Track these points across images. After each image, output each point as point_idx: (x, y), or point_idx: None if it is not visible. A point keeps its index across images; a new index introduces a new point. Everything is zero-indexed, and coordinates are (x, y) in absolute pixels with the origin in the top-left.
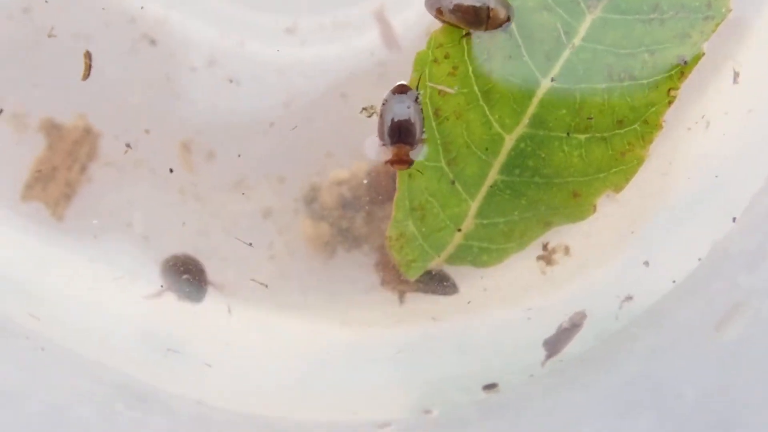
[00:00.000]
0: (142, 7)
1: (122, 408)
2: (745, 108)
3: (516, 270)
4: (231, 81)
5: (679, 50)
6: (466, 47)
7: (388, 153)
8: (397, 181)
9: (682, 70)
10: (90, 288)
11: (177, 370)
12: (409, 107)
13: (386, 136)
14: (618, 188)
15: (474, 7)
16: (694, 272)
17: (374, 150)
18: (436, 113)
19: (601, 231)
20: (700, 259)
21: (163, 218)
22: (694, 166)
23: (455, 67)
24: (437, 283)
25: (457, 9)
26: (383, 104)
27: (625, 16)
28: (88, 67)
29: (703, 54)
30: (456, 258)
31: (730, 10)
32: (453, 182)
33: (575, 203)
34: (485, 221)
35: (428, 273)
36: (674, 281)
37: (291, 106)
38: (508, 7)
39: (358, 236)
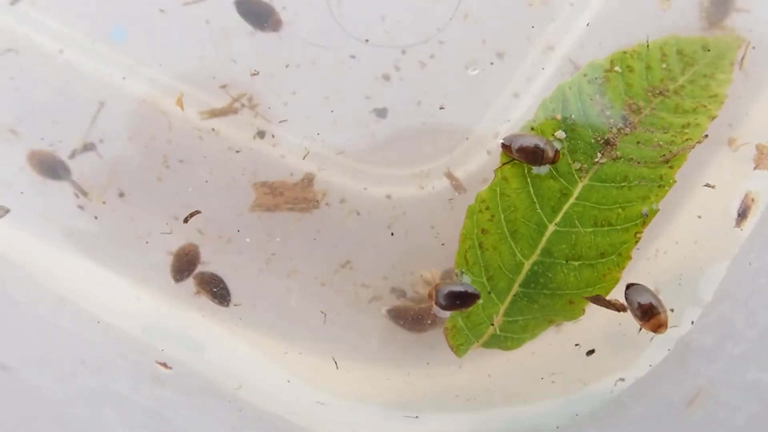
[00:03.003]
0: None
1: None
2: (691, 240)
3: (547, 352)
4: (356, 213)
5: (642, 207)
6: (500, 202)
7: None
8: None
9: (644, 220)
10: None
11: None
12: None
13: (442, 301)
14: None
15: (531, 148)
16: (666, 359)
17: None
18: (480, 246)
19: (601, 327)
20: (669, 350)
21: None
22: (660, 284)
23: (493, 216)
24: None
25: (520, 149)
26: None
27: (605, 184)
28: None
29: (658, 210)
30: (489, 343)
31: (675, 182)
32: (489, 292)
33: (570, 308)
34: (510, 319)
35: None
36: (650, 365)
37: (393, 228)
38: (554, 149)
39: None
